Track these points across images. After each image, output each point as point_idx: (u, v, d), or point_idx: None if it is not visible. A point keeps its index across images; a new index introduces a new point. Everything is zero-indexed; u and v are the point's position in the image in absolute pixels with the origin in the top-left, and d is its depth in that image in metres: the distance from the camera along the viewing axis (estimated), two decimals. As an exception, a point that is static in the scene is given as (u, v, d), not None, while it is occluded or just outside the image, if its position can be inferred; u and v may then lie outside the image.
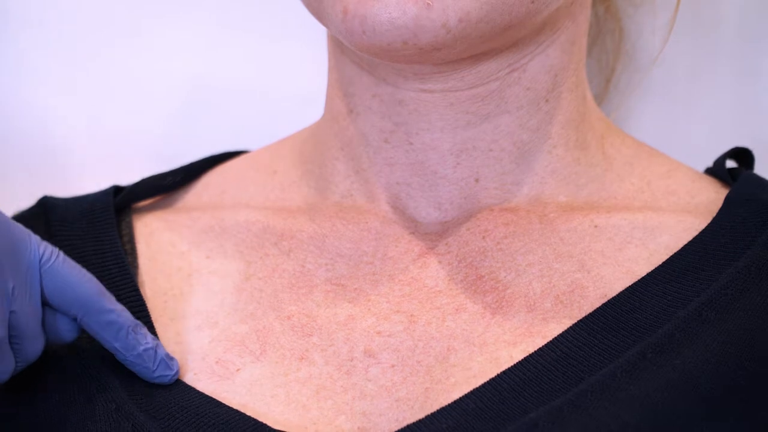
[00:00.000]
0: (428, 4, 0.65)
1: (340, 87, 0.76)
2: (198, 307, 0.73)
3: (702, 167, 0.80)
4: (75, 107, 0.99)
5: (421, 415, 0.66)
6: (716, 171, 0.78)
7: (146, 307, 0.72)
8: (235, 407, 0.68)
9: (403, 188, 0.75)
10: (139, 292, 0.73)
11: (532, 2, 0.68)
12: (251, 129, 0.96)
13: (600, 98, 0.92)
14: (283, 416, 0.68)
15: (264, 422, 0.66)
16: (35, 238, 0.68)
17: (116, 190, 0.81)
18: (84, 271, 0.69)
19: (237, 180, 0.81)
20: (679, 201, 0.75)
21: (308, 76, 0.93)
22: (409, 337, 0.70)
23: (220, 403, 0.68)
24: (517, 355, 0.67)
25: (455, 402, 0.65)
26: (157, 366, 0.69)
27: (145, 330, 0.69)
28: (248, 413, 0.68)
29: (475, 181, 0.74)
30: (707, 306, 0.66)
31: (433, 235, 0.74)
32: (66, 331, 0.70)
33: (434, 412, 0.65)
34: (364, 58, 0.73)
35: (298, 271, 0.74)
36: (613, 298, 0.68)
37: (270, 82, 0.99)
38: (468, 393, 0.65)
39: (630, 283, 0.69)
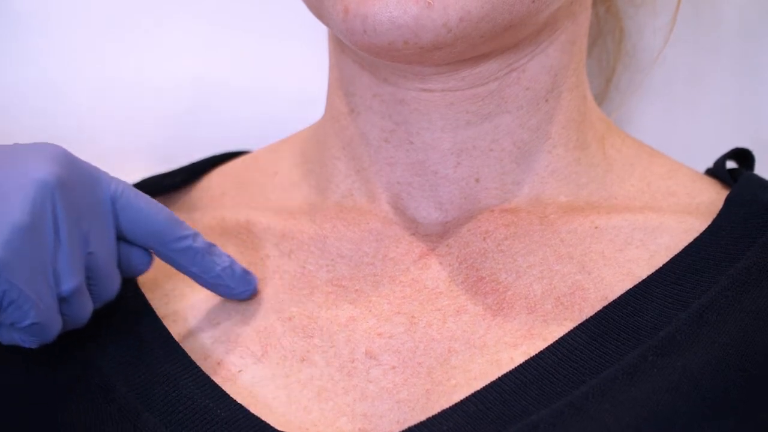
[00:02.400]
0: (429, 3, 0.65)
1: (340, 86, 0.76)
2: (199, 307, 0.73)
3: (702, 168, 0.80)
4: (75, 107, 0.99)
5: (422, 417, 0.66)
6: (717, 172, 0.78)
7: (151, 306, 0.72)
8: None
9: (404, 188, 0.75)
10: (141, 291, 0.73)
11: (533, 2, 0.68)
12: (251, 129, 0.96)
13: (600, 98, 0.92)
14: (284, 418, 0.67)
15: (266, 422, 0.66)
16: (105, 174, 0.68)
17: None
18: (154, 201, 0.69)
19: (238, 181, 0.81)
20: (680, 202, 0.75)
21: (308, 76, 0.93)
22: (410, 339, 0.70)
23: (224, 402, 0.67)
24: (518, 357, 0.67)
25: (456, 404, 0.65)
26: (237, 283, 0.71)
27: (219, 250, 0.71)
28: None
29: (476, 180, 0.74)
30: (708, 308, 0.66)
31: (434, 236, 0.74)
32: (140, 264, 0.70)
33: (435, 415, 0.65)
34: (365, 58, 0.73)
35: (299, 272, 0.74)
36: (614, 300, 0.68)
37: (270, 82, 0.99)
38: (469, 395, 0.65)
39: (631, 285, 0.69)
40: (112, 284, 0.69)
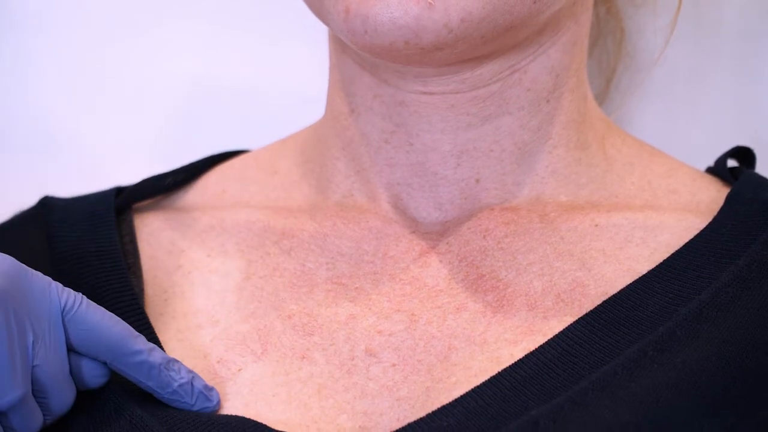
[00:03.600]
0: (430, 3, 0.65)
1: (341, 87, 0.76)
2: (199, 305, 0.73)
3: (703, 167, 0.80)
4: (75, 107, 0.99)
5: (422, 414, 0.66)
6: (717, 170, 0.78)
7: (144, 312, 0.72)
8: (236, 406, 0.68)
9: (404, 188, 0.75)
10: (136, 296, 0.73)
11: (534, 2, 0.68)
12: (251, 129, 0.96)
13: (601, 98, 0.92)
14: (284, 415, 0.67)
15: (265, 423, 0.66)
16: (56, 286, 0.66)
17: (118, 190, 0.80)
18: (109, 313, 0.67)
19: (238, 179, 0.81)
20: (680, 200, 0.75)
21: (309, 76, 0.93)
22: (410, 336, 0.70)
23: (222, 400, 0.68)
24: (518, 353, 0.67)
25: (456, 400, 0.65)
26: (196, 399, 0.68)
27: (178, 365, 0.68)
28: (250, 412, 0.68)
29: (476, 181, 0.74)
30: (708, 304, 0.66)
31: (434, 234, 0.74)
32: (95, 377, 0.68)
33: (435, 411, 0.65)
34: (366, 58, 0.73)
35: (299, 270, 0.74)
36: (614, 295, 0.68)
37: (270, 82, 0.99)
38: (469, 391, 0.65)
39: (631, 281, 0.69)
40: (64, 397, 0.66)
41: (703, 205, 0.74)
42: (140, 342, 0.67)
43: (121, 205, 0.79)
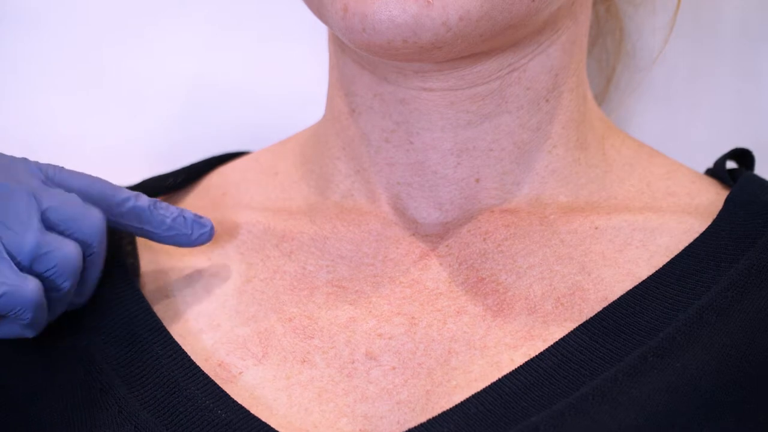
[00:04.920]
0: (428, 2, 0.65)
1: (341, 86, 0.76)
2: (199, 309, 0.73)
3: (702, 168, 0.80)
4: (75, 107, 0.99)
5: (422, 418, 0.66)
6: (716, 172, 0.78)
7: (151, 308, 0.72)
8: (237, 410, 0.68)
9: (404, 188, 0.75)
10: (141, 293, 0.73)
11: (533, 1, 0.67)
12: (251, 129, 0.96)
13: (600, 98, 0.92)
14: (285, 419, 0.67)
15: (267, 423, 0.66)
16: (25, 160, 0.69)
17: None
18: (84, 173, 0.70)
19: (238, 181, 0.81)
20: (679, 202, 0.75)
21: (309, 76, 0.93)
22: (410, 340, 0.70)
23: (224, 403, 0.67)
24: (518, 358, 0.67)
25: (457, 406, 0.65)
26: (192, 228, 0.72)
27: (164, 204, 0.71)
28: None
29: (476, 181, 0.74)
30: (708, 309, 0.66)
31: (434, 236, 0.74)
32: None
33: (436, 416, 0.65)
34: (365, 57, 0.73)
35: (299, 272, 0.74)
36: (614, 301, 0.68)
37: (270, 82, 0.99)
38: (469, 397, 0.65)
39: (631, 286, 0.69)
40: (86, 219, 0.68)
41: (702, 207, 0.74)
42: (125, 191, 0.70)
43: (121, 206, 0.79)
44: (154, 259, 0.76)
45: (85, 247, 0.69)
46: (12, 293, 0.65)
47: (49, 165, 0.70)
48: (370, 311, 0.71)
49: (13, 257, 0.66)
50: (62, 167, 0.70)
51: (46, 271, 0.67)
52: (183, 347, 0.70)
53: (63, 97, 0.99)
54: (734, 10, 0.96)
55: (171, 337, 0.71)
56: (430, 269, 0.72)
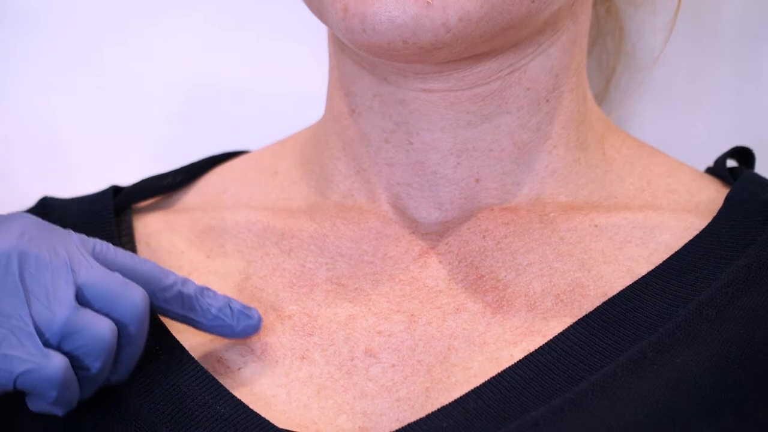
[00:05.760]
0: (428, 3, 0.65)
1: (341, 86, 0.76)
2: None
3: (703, 167, 0.80)
4: (75, 107, 0.99)
5: (421, 415, 0.66)
6: (717, 170, 0.78)
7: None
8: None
9: (404, 188, 0.75)
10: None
11: (533, 1, 0.67)
12: (251, 129, 0.96)
13: (600, 98, 0.92)
14: (284, 416, 0.67)
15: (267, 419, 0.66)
16: (81, 235, 0.67)
17: (115, 190, 0.80)
18: (136, 255, 0.68)
19: (238, 180, 0.80)
20: (680, 200, 0.75)
21: (308, 76, 0.93)
22: (410, 337, 0.70)
23: (224, 398, 0.67)
24: (518, 354, 0.67)
25: (456, 401, 0.65)
26: (237, 320, 0.68)
27: (213, 292, 0.68)
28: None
29: (476, 181, 0.74)
30: (708, 305, 0.66)
31: (434, 234, 0.74)
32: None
33: (434, 411, 0.65)
34: (365, 58, 0.73)
35: (299, 270, 0.74)
36: (613, 296, 0.68)
37: (270, 82, 0.99)
38: (468, 392, 0.65)
39: (630, 282, 0.69)
40: (125, 299, 0.65)
41: (702, 205, 0.74)
42: (171, 275, 0.67)
43: (120, 205, 0.79)
44: (153, 256, 0.76)
45: (121, 327, 0.65)
46: (34, 371, 0.62)
47: (96, 240, 0.66)
48: (369, 308, 0.71)
49: (41, 332, 0.63)
50: (109, 244, 0.67)
51: (74, 350, 0.64)
52: (181, 343, 0.70)
53: (63, 97, 0.99)
54: (734, 10, 0.96)
55: (169, 332, 0.71)
56: (430, 267, 0.72)
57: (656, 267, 0.69)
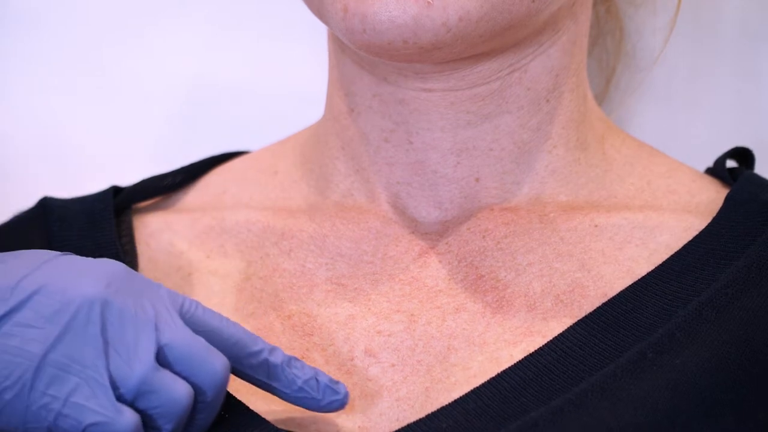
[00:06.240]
0: (428, 2, 0.65)
1: (340, 86, 0.76)
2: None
3: (703, 167, 0.80)
4: (75, 107, 0.99)
5: (421, 415, 0.66)
6: (717, 171, 0.78)
7: None
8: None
9: (404, 188, 0.75)
10: None
11: (533, 1, 0.67)
12: (251, 129, 0.96)
13: (600, 98, 0.92)
14: (284, 415, 0.67)
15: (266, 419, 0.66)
16: (170, 290, 0.65)
17: (115, 190, 0.80)
18: (222, 315, 0.65)
19: (238, 180, 0.80)
20: (680, 200, 0.75)
21: (308, 76, 0.93)
22: (410, 337, 0.70)
23: (224, 400, 0.67)
24: (518, 354, 0.67)
25: (455, 401, 0.65)
26: (323, 394, 0.65)
27: (301, 363, 0.65)
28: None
29: (476, 180, 0.74)
30: (707, 305, 0.66)
31: (434, 234, 0.74)
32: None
33: (434, 412, 0.65)
34: (365, 57, 0.73)
35: (299, 270, 0.74)
36: (613, 297, 0.68)
37: (270, 82, 0.99)
38: (468, 392, 0.65)
39: (630, 283, 0.69)
40: (207, 366, 0.63)
41: (702, 205, 0.74)
42: (260, 342, 0.65)
43: (120, 205, 0.79)
44: (153, 257, 0.76)
45: (198, 392, 0.63)
46: (105, 424, 0.61)
47: (186, 298, 0.64)
48: (369, 308, 0.71)
49: (116, 387, 0.61)
50: (199, 303, 0.65)
51: (148, 409, 0.62)
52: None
53: (63, 97, 0.99)
54: (734, 10, 0.96)
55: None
56: (430, 267, 0.72)
57: (656, 267, 0.69)
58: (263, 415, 0.67)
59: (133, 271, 0.65)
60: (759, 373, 0.64)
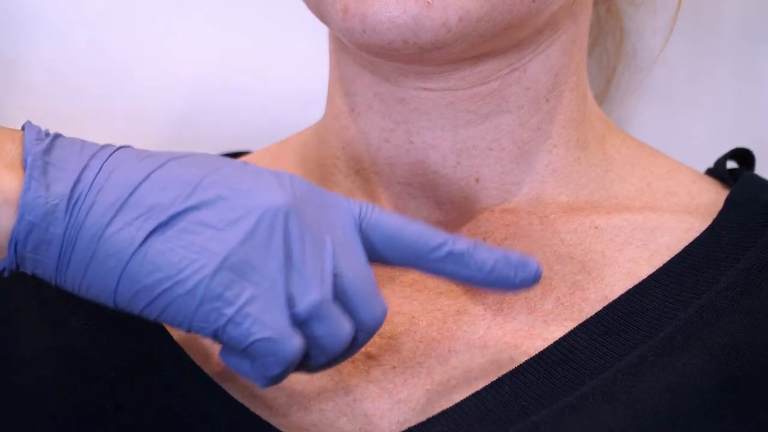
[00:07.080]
0: (428, 2, 0.65)
1: (341, 86, 0.76)
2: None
3: (703, 168, 0.80)
4: (75, 107, 0.99)
5: (422, 417, 0.66)
6: (717, 172, 0.78)
7: None
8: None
9: (404, 187, 0.75)
10: None
11: (533, 1, 0.68)
12: (251, 129, 0.96)
13: (600, 98, 0.92)
14: (285, 418, 0.67)
15: (268, 422, 0.66)
16: (347, 198, 0.63)
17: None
18: (400, 215, 0.63)
19: (239, 181, 0.80)
20: (680, 202, 0.75)
21: (308, 76, 0.93)
22: (410, 339, 0.70)
23: (225, 402, 0.67)
24: (518, 357, 0.67)
25: (456, 405, 0.65)
26: (516, 270, 0.63)
27: (485, 246, 0.63)
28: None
29: (476, 180, 0.74)
30: (708, 308, 0.67)
31: (435, 235, 0.74)
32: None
33: (435, 415, 0.65)
34: (365, 57, 0.73)
35: (299, 271, 0.73)
36: (614, 300, 0.68)
37: (270, 82, 0.99)
38: (469, 396, 0.65)
39: (631, 285, 0.69)
40: (373, 308, 0.62)
41: (702, 207, 0.74)
42: (441, 234, 0.63)
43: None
44: None
45: (359, 333, 0.62)
46: (274, 342, 0.59)
47: (362, 203, 0.62)
48: (369, 310, 0.71)
49: (291, 305, 0.59)
50: (376, 206, 0.63)
51: (309, 337, 0.60)
52: (183, 347, 0.70)
53: (63, 96, 0.99)
54: (734, 10, 0.96)
55: (170, 337, 0.70)
56: (430, 268, 0.72)
57: (656, 270, 0.69)
58: (264, 418, 0.67)
59: (312, 183, 0.62)
60: (759, 375, 0.64)
